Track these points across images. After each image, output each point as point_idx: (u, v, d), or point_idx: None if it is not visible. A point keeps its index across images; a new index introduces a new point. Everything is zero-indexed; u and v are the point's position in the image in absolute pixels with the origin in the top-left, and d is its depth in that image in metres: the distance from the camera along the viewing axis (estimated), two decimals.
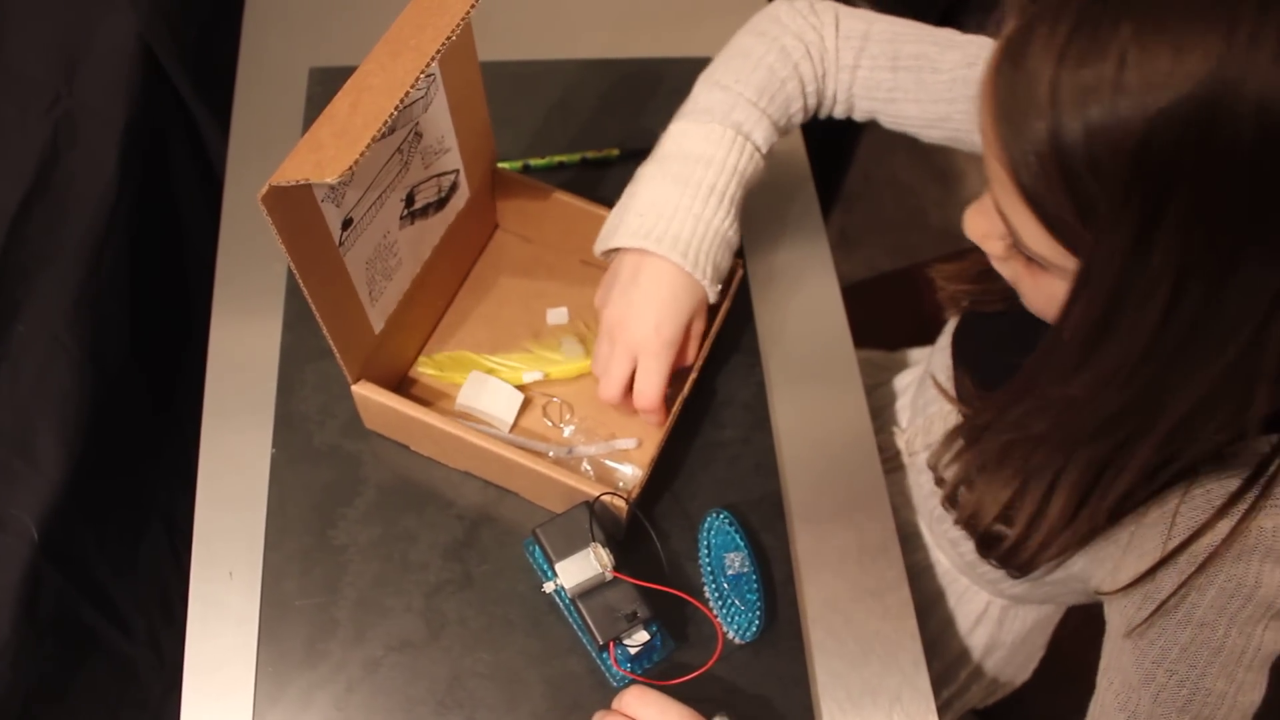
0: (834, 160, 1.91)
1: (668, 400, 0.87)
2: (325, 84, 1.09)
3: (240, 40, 1.14)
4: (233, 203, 1.03)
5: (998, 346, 0.86)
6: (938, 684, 0.99)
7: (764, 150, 0.88)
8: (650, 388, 0.84)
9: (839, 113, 0.95)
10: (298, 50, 1.12)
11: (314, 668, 0.80)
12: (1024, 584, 0.90)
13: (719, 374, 0.95)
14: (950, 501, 0.82)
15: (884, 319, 1.35)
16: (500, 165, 1.03)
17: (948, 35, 0.89)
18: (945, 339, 0.96)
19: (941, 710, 0.84)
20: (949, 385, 0.90)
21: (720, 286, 0.87)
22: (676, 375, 0.87)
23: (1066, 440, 0.67)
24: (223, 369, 0.93)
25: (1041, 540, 0.72)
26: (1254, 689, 0.65)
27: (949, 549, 0.94)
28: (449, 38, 0.65)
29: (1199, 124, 0.49)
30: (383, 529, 0.86)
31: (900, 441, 1.00)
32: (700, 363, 0.89)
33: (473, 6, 0.67)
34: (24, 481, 0.88)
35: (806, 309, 1.01)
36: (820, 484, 0.91)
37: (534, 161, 1.05)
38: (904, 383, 1.10)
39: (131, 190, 1.04)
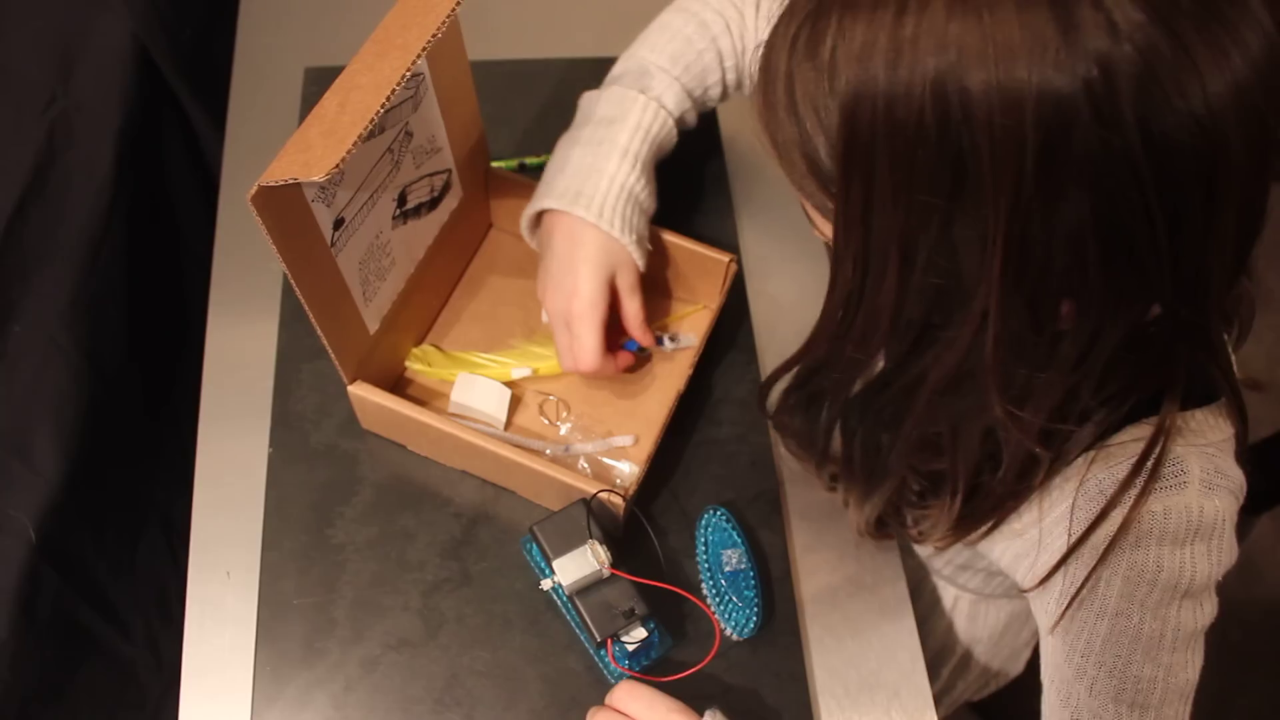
0: None
1: (640, 355, 0.92)
2: (320, 83, 1.09)
3: (235, 40, 1.14)
4: (228, 202, 1.03)
5: None
6: None
7: (675, 114, 0.89)
8: (581, 351, 0.84)
9: None
10: (293, 50, 1.12)
11: (312, 667, 0.80)
12: (976, 579, 0.91)
13: (715, 371, 0.95)
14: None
15: None
16: (495, 164, 1.03)
17: None
18: None
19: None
20: None
21: (641, 249, 0.86)
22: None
23: (842, 393, 0.71)
24: (219, 369, 0.93)
25: (860, 506, 0.76)
26: (1185, 668, 0.65)
27: (910, 550, 0.95)
28: (435, 35, 0.65)
29: (884, 99, 0.51)
30: (380, 528, 0.86)
31: None
32: (695, 359, 0.89)
33: (458, 4, 0.67)
34: (21, 482, 0.88)
35: (802, 304, 1.00)
36: (817, 481, 0.91)
37: (529, 160, 1.05)
38: None
39: (127, 190, 1.04)
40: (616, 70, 0.91)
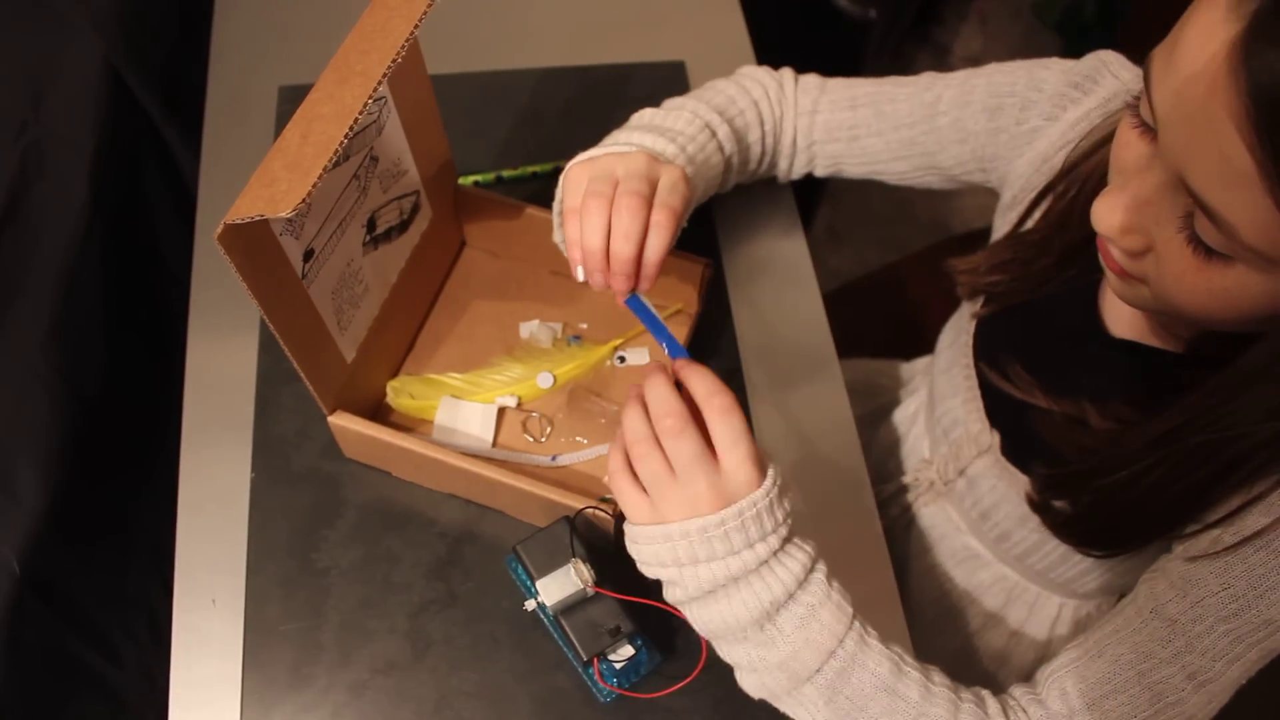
0: None
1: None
2: (295, 102, 1.07)
3: (209, 61, 1.14)
4: (206, 226, 1.02)
5: (1036, 342, 0.85)
6: None
7: (725, 149, 0.88)
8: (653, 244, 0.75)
9: (800, 164, 0.97)
10: (266, 69, 1.12)
11: (300, 693, 0.80)
12: (1105, 576, 0.89)
13: None
14: (1044, 493, 0.80)
15: (866, 323, 1.35)
16: (474, 177, 1.03)
17: (897, 77, 0.93)
18: (949, 362, 0.95)
19: None
20: (974, 404, 0.90)
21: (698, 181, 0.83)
22: None
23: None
24: (200, 393, 0.93)
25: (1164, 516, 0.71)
26: None
27: (1015, 564, 0.93)
28: (395, 60, 0.64)
29: None
30: (365, 550, 0.85)
31: (931, 473, 0.98)
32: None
33: (416, 27, 0.66)
34: (3, 514, 0.88)
35: (786, 310, 1.00)
36: (804, 489, 0.91)
37: (506, 173, 1.04)
38: (907, 414, 1.09)
39: (104, 216, 1.04)
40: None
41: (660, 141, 0.82)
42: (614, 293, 0.77)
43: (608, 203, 0.73)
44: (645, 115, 0.88)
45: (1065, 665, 0.71)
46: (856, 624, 0.67)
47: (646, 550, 0.68)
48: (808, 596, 0.66)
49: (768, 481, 0.66)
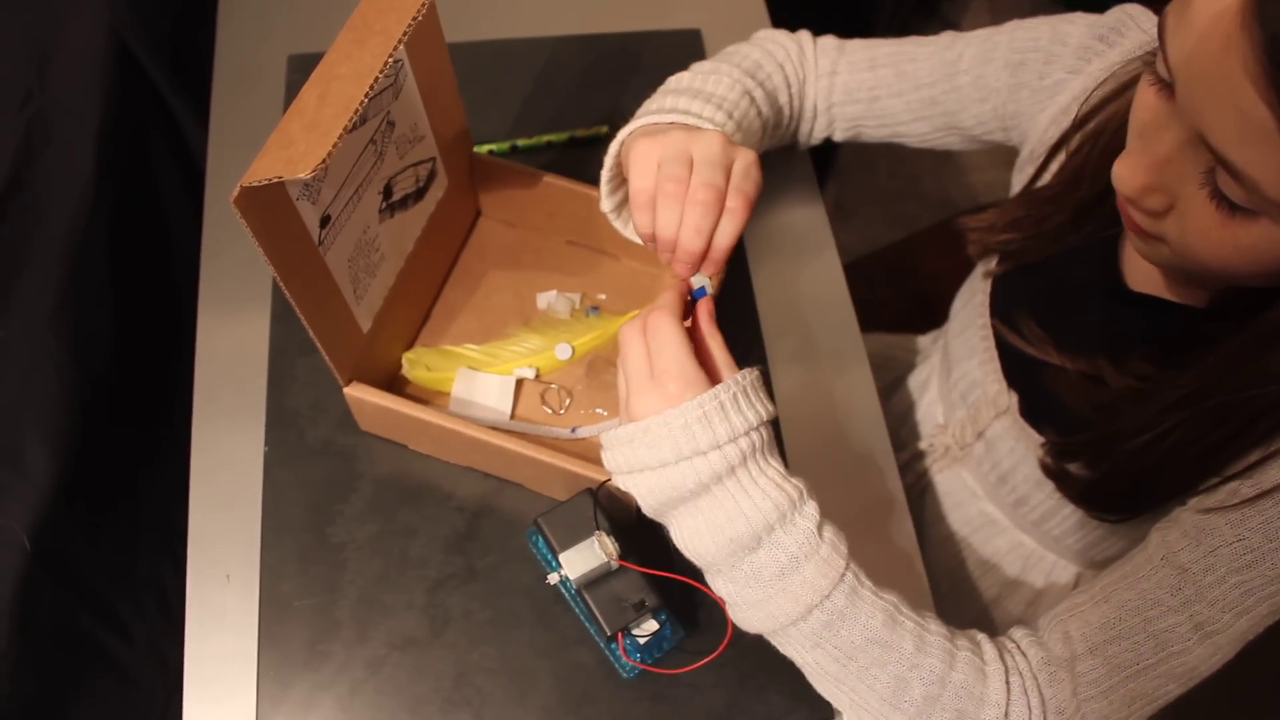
0: None
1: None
2: (304, 71, 1.06)
3: (216, 30, 1.12)
4: (215, 196, 1.00)
5: (1052, 298, 0.84)
6: None
7: (763, 113, 0.87)
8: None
9: (820, 127, 0.95)
10: (275, 37, 1.10)
11: (316, 669, 0.79)
12: (1120, 544, 0.88)
13: None
14: (1059, 458, 0.80)
15: (878, 299, 1.33)
16: (488, 146, 1.01)
17: (917, 37, 0.91)
18: (965, 323, 0.94)
19: None
20: (991, 364, 0.89)
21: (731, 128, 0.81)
22: None
23: None
24: (211, 367, 0.91)
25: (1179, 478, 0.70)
26: None
27: (1032, 529, 0.92)
28: (414, 19, 0.62)
29: None
30: (381, 524, 0.84)
31: (947, 438, 0.97)
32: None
33: None
34: (12, 490, 0.86)
35: (806, 278, 0.99)
36: (827, 460, 0.90)
37: (521, 142, 1.03)
38: (919, 380, 1.08)
39: (111, 187, 1.02)
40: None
41: (709, 108, 0.80)
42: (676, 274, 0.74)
43: (683, 192, 0.70)
44: (684, 79, 0.85)
45: (1070, 609, 0.70)
46: (849, 577, 0.64)
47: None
48: (790, 544, 0.63)
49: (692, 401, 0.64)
